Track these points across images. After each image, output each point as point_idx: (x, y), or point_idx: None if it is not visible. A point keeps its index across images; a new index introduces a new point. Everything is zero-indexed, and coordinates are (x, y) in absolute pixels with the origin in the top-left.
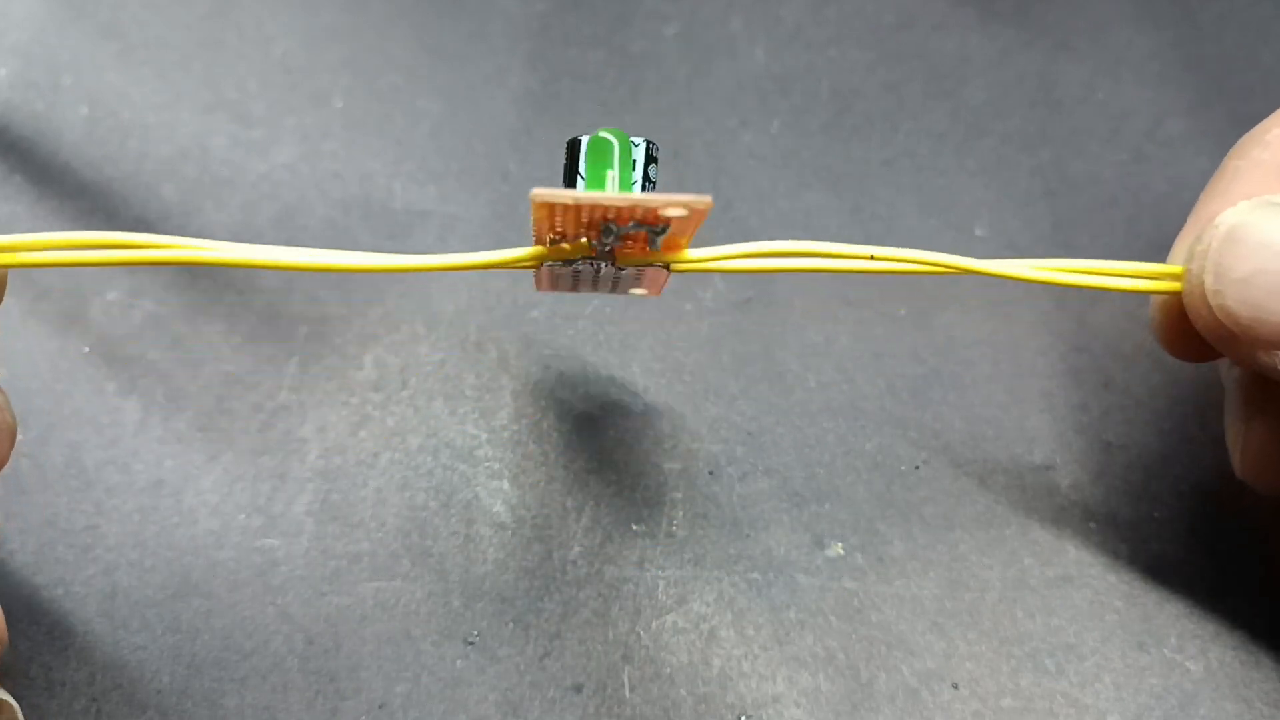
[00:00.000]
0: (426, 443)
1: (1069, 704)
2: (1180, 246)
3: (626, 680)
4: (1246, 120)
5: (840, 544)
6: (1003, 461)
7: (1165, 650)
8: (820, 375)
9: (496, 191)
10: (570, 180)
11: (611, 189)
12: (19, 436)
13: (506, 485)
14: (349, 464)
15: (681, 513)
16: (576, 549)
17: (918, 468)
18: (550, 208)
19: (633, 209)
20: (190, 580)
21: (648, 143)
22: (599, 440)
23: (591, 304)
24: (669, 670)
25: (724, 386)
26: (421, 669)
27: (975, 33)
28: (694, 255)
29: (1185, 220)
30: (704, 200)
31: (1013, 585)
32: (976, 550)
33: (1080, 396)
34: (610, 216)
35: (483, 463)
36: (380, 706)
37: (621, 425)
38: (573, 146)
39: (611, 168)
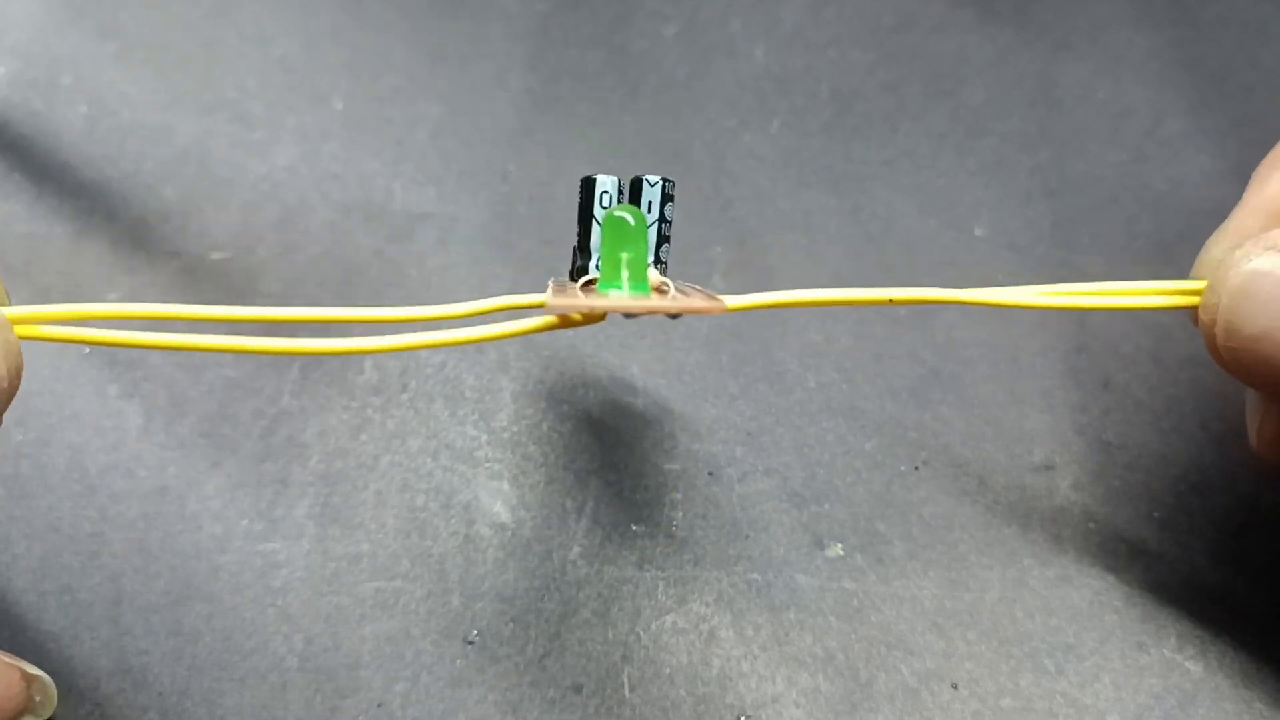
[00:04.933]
0: (426, 445)
1: (1068, 704)
2: (1208, 254)
3: (626, 680)
4: (1246, 120)
5: (840, 544)
6: (1003, 461)
7: (1165, 650)
8: (820, 375)
9: (496, 192)
10: (585, 221)
11: (625, 280)
12: (19, 437)
13: (506, 486)
14: (350, 467)
15: (681, 513)
16: (576, 549)
17: (917, 468)
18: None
19: (648, 311)
20: (193, 585)
21: (664, 181)
22: (599, 441)
23: None
24: (669, 670)
25: (723, 387)
26: (421, 668)
27: (975, 33)
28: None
29: (1185, 219)
30: (718, 306)
31: (1012, 585)
32: (976, 550)
33: (1080, 397)
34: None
35: (483, 464)
36: (379, 705)
37: (621, 426)
38: (587, 185)
39: (628, 250)
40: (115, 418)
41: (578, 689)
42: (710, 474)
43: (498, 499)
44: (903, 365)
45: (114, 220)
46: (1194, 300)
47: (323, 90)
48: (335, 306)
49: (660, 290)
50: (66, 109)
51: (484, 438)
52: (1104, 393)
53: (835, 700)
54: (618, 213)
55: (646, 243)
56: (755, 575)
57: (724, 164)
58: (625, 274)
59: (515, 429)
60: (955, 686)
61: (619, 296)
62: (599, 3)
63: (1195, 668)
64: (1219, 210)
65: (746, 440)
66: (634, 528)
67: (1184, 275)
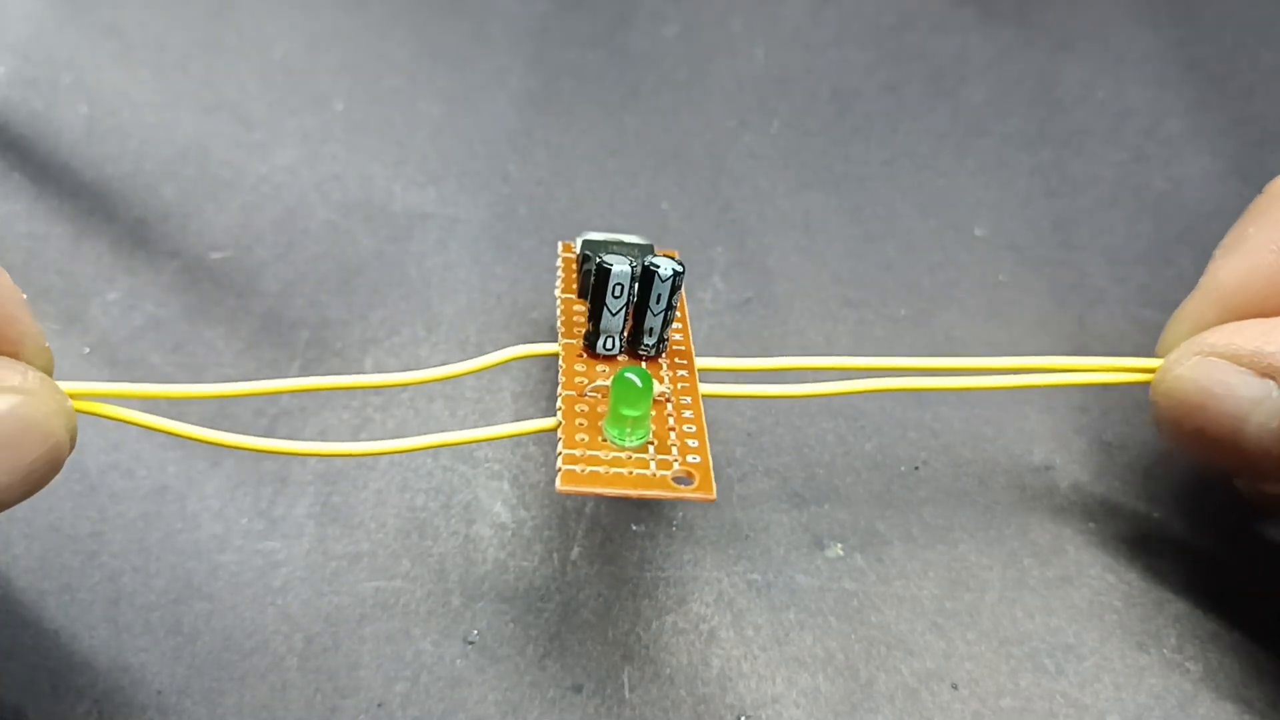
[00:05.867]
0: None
1: (1068, 704)
2: (1168, 335)
3: (626, 680)
4: (1246, 120)
5: (840, 544)
6: (1002, 461)
7: (1165, 650)
8: (820, 375)
9: (497, 193)
10: (597, 304)
11: (629, 434)
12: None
13: (506, 486)
14: (349, 466)
15: (681, 513)
16: (576, 549)
17: (917, 468)
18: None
19: (644, 497)
20: (192, 584)
21: (675, 275)
22: None
23: None
24: (669, 671)
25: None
26: (421, 668)
27: (975, 33)
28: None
29: (1185, 219)
30: (708, 498)
31: (1012, 585)
32: (976, 550)
33: (1080, 397)
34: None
35: (483, 464)
36: (379, 705)
37: None
38: (602, 273)
39: (634, 409)
40: None
41: (578, 689)
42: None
43: (498, 499)
44: None
45: (114, 220)
46: (1148, 378)
47: (323, 91)
48: (353, 375)
49: (660, 401)
50: (66, 109)
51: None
52: (1104, 393)
53: (835, 700)
54: (628, 374)
55: (650, 402)
56: (755, 575)
57: (724, 164)
58: (629, 430)
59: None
60: (955, 686)
61: (620, 465)
62: (599, 3)
63: (1195, 668)
64: (1219, 210)
65: (746, 440)
66: (634, 528)
67: (1183, 276)
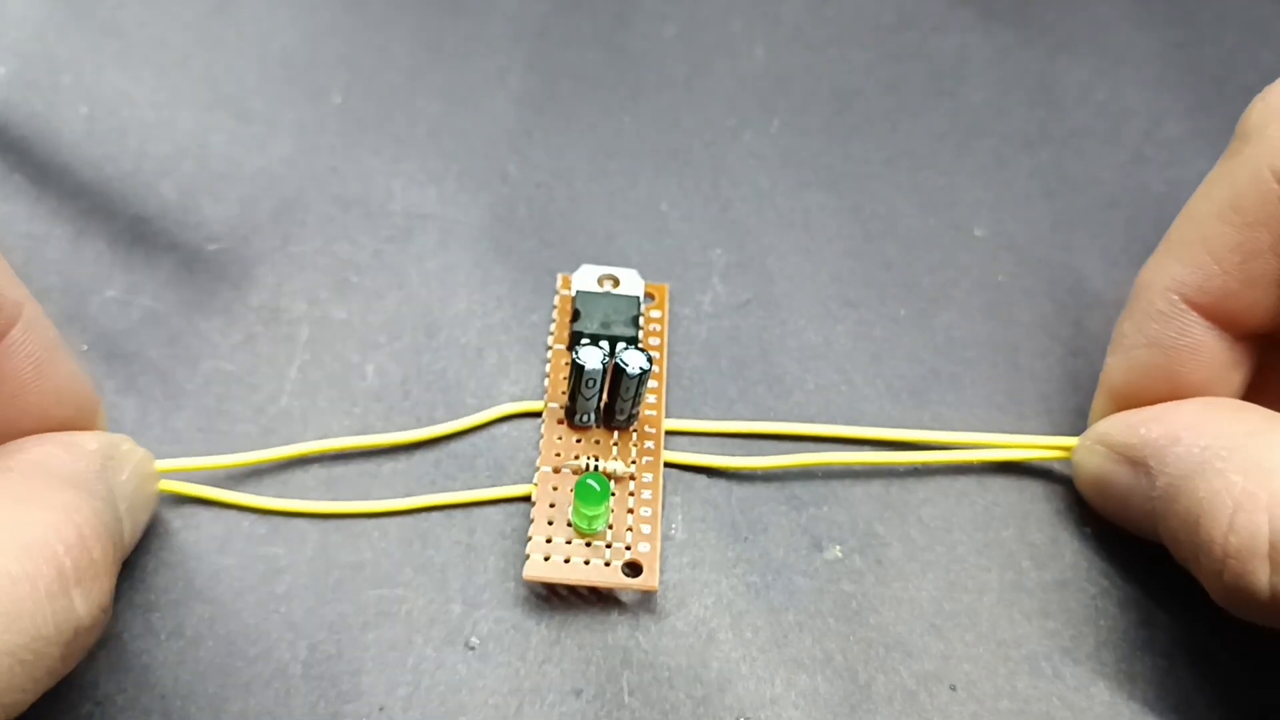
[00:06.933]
0: (428, 451)
1: (1065, 707)
2: (1093, 410)
3: (626, 684)
4: None
5: (838, 546)
6: (1001, 464)
7: (1161, 655)
8: (819, 377)
9: (496, 193)
10: (574, 392)
11: (590, 526)
12: None
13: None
14: (352, 473)
15: (680, 516)
16: None
17: (916, 470)
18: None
19: (596, 589)
20: (194, 586)
21: (642, 372)
22: None
23: None
24: (668, 673)
25: (722, 390)
26: (422, 674)
27: (975, 33)
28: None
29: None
30: (650, 589)
31: (1010, 588)
32: (974, 553)
33: (1077, 401)
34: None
35: (483, 471)
36: (381, 709)
37: None
38: (578, 369)
39: (593, 510)
40: (112, 412)
41: (577, 693)
42: (709, 476)
43: (498, 507)
44: (903, 365)
45: (113, 219)
46: (1066, 455)
47: (322, 87)
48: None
49: (623, 479)
50: (66, 109)
51: (484, 444)
52: None
53: (834, 702)
54: (589, 481)
55: (608, 503)
56: (754, 578)
57: (724, 164)
58: (590, 521)
59: (515, 434)
60: (953, 688)
61: (579, 554)
62: (599, 3)
63: (1192, 673)
64: None
65: (746, 442)
66: None
67: None
